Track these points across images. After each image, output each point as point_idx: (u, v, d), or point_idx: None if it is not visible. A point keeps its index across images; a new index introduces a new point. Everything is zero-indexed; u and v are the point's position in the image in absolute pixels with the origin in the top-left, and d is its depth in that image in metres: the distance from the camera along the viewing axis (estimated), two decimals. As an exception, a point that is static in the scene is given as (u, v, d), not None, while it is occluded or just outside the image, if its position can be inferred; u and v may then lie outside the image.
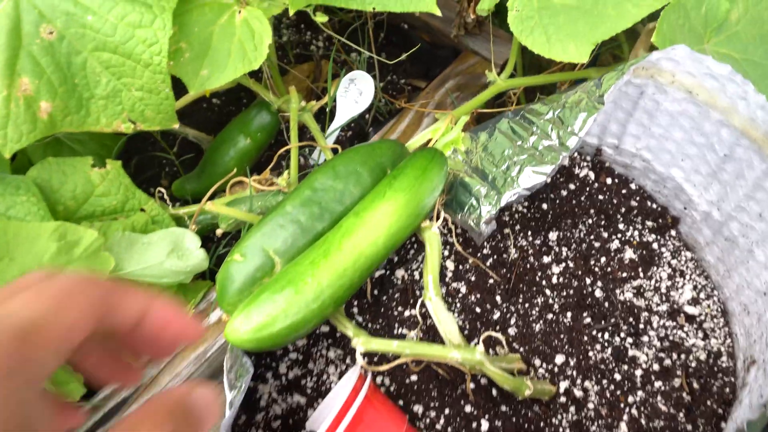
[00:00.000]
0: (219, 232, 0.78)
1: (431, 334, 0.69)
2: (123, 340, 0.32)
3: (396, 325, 0.69)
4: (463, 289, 0.72)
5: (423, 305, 0.69)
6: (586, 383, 0.67)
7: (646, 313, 0.72)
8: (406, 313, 0.70)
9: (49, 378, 0.26)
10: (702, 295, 0.72)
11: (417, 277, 0.72)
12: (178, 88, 0.73)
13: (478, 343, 0.68)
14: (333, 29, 1.08)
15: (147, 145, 0.98)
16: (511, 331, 0.71)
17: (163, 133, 0.98)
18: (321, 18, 0.75)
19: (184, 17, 0.74)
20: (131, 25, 0.70)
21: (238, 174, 0.92)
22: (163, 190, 0.85)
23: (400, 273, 0.72)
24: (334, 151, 0.86)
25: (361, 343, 0.61)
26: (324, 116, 0.95)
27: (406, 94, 1.02)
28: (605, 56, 0.97)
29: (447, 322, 0.62)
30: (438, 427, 0.64)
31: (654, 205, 0.74)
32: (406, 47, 1.07)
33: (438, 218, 0.67)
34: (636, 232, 0.74)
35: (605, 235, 0.74)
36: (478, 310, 0.71)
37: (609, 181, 0.75)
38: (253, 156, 0.92)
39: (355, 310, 0.71)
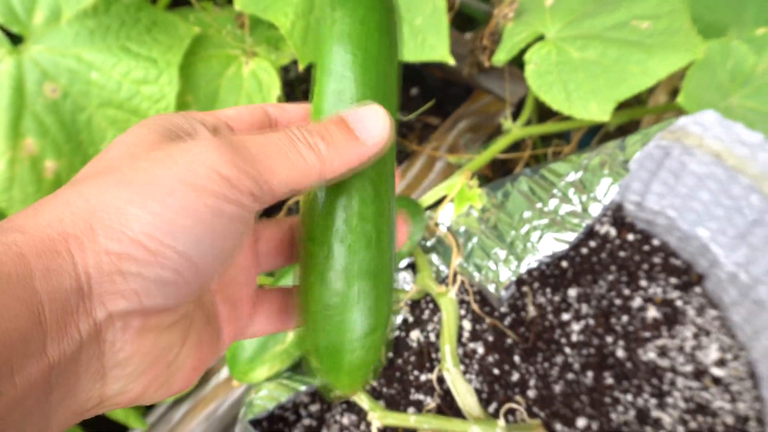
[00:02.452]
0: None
1: (449, 400, 0.67)
2: None
3: (412, 390, 0.67)
4: (481, 350, 0.70)
5: (440, 370, 0.66)
6: (610, 453, 0.64)
7: (670, 374, 0.69)
8: (422, 378, 0.68)
9: None
10: (729, 356, 0.69)
11: (433, 338, 0.70)
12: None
13: (498, 410, 0.65)
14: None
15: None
16: (531, 393, 0.68)
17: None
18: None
19: (189, 69, 0.72)
20: (136, 81, 0.68)
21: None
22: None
23: (414, 335, 0.70)
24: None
25: (377, 417, 0.59)
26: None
27: (418, 132, 1.00)
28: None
29: (466, 395, 0.60)
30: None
31: (678, 262, 0.72)
32: (417, 83, 1.05)
33: (454, 282, 0.64)
34: (659, 289, 0.72)
35: (627, 292, 0.72)
36: (496, 371, 0.69)
37: (631, 237, 0.73)
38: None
39: (370, 373, 0.69)
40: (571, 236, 0.60)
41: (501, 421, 0.57)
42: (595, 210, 0.59)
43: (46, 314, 0.24)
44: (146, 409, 0.76)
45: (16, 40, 0.67)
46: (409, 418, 0.58)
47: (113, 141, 0.30)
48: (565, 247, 0.60)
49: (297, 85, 1.06)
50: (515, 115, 0.89)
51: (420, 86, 1.05)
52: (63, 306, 0.24)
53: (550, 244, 0.61)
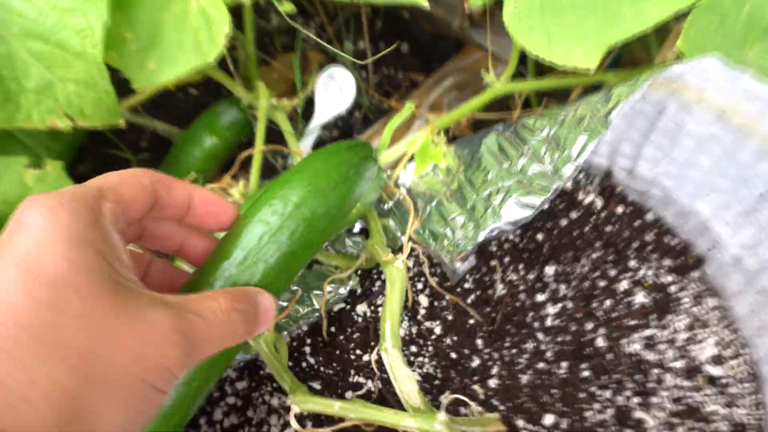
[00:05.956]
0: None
1: (391, 385, 0.58)
2: (181, 222, 0.40)
3: (352, 372, 0.59)
4: (438, 330, 0.61)
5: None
6: (577, 456, 0.55)
7: (657, 370, 0.59)
8: (365, 358, 0.59)
9: (120, 234, 0.33)
10: (728, 353, 0.59)
11: (381, 314, 0.61)
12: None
13: (451, 400, 0.57)
14: (326, 14, 0.96)
15: (110, 140, 0.89)
16: (492, 382, 0.59)
17: (130, 127, 0.88)
18: (287, 7, 0.64)
19: (129, 2, 0.64)
20: (63, 11, 0.60)
21: (206, 176, 0.82)
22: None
23: (361, 309, 0.61)
24: (308, 156, 0.75)
25: (296, 402, 0.51)
26: (308, 115, 0.84)
27: (403, 90, 0.90)
28: (636, 54, 0.84)
29: (404, 380, 0.52)
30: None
31: (674, 241, 0.62)
32: (405, 38, 0.95)
33: (404, 251, 0.55)
34: (650, 272, 0.62)
35: (613, 273, 0.62)
36: (454, 355, 0.60)
37: (620, 209, 0.62)
38: (221, 157, 0.82)
39: (308, 349, 0.61)
40: (537, 200, 0.50)
41: (442, 414, 0.49)
42: (567, 170, 0.50)
43: None
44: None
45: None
46: (334, 405, 0.50)
47: (23, 225, 0.29)
48: (529, 213, 0.50)
49: (277, 37, 0.97)
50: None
51: (409, 41, 0.95)
52: None
53: (514, 210, 0.52)
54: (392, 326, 0.52)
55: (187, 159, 0.80)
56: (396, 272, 0.54)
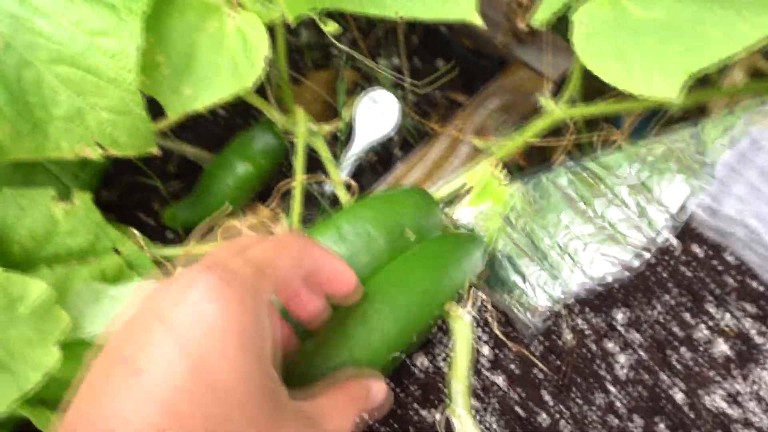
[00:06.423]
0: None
1: (457, 446, 0.53)
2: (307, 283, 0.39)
3: None
4: (502, 383, 0.56)
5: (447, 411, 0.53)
6: None
7: (742, 428, 0.54)
8: (428, 417, 0.54)
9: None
10: (819, 409, 0.54)
11: (442, 365, 0.56)
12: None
13: (517, 462, 0.52)
14: (359, 30, 0.92)
15: (136, 166, 0.84)
16: (562, 440, 0.54)
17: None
18: (331, 28, 0.59)
19: (160, 22, 0.59)
20: (92, 32, 0.56)
21: (239, 205, 0.77)
22: (151, 220, 0.71)
23: (420, 360, 0.56)
24: (348, 186, 0.71)
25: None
26: (344, 138, 0.79)
27: (442, 111, 0.85)
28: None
29: (477, 448, 0.47)
30: None
31: (757, 285, 0.57)
32: (444, 54, 0.90)
33: (470, 301, 0.50)
34: (731, 319, 0.57)
35: (690, 319, 0.57)
36: (520, 411, 0.55)
37: (697, 250, 0.57)
38: (255, 184, 0.77)
39: (362, 405, 0.56)
40: (628, 256, 0.45)
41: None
42: (660, 221, 0.45)
43: None
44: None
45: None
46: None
47: (190, 307, 0.29)
48: (621, 271, 0.45)
49: (308, 52, 0.92)
50: (556, 94, 0.74)
51: (447, 58, 0.90)
52: None
53: (599, 264, 0.47)
54: (463, 388, 0.47)
55: (219, 187, 0.75)
56: (463, 327, 0.49)
